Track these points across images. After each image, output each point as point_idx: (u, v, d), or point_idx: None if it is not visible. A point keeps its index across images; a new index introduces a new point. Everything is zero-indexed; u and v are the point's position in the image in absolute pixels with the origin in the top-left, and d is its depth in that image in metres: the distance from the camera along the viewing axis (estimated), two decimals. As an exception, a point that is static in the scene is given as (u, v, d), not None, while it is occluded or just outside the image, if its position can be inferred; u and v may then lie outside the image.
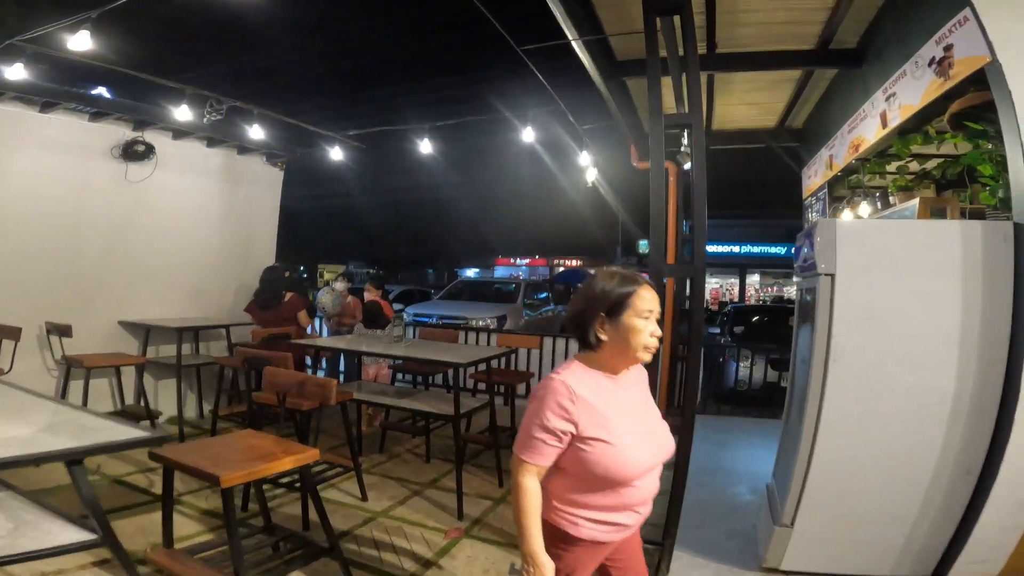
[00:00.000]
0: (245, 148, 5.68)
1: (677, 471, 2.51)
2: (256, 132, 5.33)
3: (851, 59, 4.07)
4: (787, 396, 3.13)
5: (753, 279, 26.34)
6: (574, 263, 33.64)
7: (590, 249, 32.59)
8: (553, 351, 6.04)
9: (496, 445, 3.93)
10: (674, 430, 1.60)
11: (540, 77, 4.65)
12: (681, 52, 2.67)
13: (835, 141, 4.84)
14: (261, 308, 5.12)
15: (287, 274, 5.51)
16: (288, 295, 5.22)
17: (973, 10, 2.25)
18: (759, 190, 14.10)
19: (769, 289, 30.32)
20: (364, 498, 3.51)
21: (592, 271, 1.54)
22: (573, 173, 7.91)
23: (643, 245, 34.76)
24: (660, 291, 1.59)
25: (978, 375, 2.27)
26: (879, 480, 2.41)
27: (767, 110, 5.68)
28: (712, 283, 34.37)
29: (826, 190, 5.20)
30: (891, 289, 2.38)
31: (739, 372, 6.79)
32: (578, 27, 3.48)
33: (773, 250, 27.96)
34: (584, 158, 6.58)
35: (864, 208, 4.12)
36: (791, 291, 29.26)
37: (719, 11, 3.70)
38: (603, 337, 1.40)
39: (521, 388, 5.23)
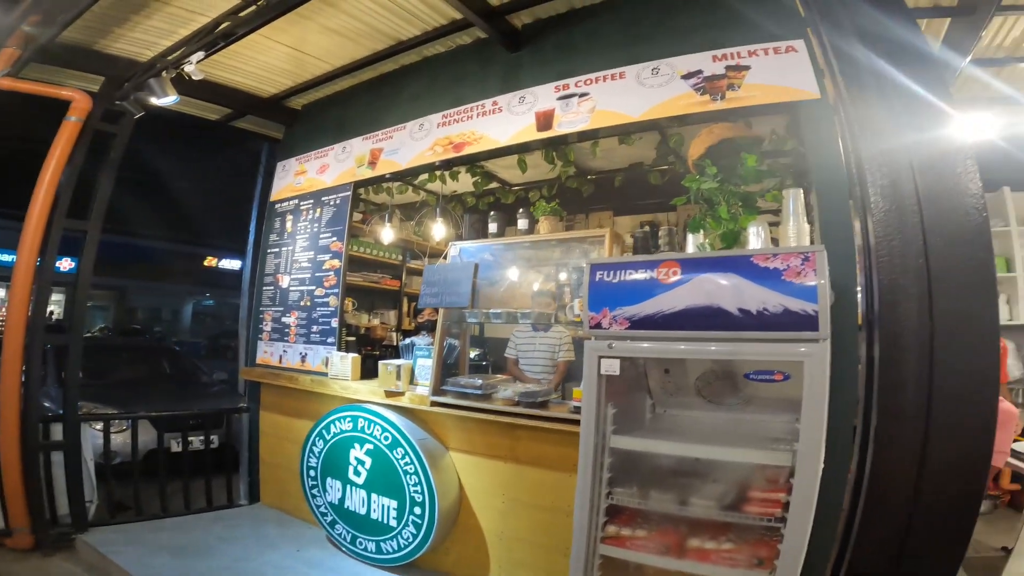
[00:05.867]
0: None
1: None
2: None
3: (509, 38, 3.42)
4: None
5: None
6: None
7: None
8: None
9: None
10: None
11: None
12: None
13: (396, 132, 4.12)
14: None
15: None
16: None
17: (814, 42, 2.27)
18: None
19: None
20: None
21: None
22: None
23: None
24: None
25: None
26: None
27: (299, 68, 4.17)
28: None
29: (348, 192, 4.34)
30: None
31: (110, 444, 4.34)
32: None
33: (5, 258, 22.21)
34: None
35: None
36: (55, 310, 23.51)
37: None
38: None
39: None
